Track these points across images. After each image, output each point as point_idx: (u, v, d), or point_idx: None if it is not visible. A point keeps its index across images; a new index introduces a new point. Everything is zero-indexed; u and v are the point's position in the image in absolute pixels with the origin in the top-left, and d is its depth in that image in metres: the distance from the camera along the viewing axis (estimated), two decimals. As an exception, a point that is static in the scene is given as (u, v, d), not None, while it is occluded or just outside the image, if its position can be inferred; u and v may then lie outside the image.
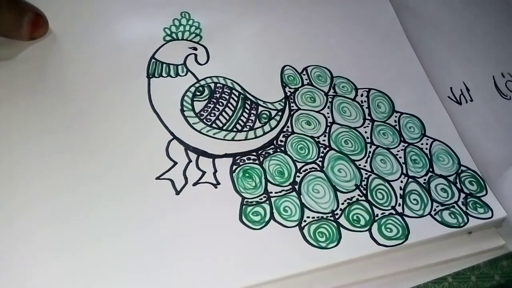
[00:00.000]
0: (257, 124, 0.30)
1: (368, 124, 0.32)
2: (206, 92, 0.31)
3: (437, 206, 0.28)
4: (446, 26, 0.38)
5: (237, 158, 0.29)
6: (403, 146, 0.31)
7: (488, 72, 0.36)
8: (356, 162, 0.30)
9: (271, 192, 0.28)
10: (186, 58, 0.33)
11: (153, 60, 0.32)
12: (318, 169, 0.29)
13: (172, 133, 0.29)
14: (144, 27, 0.34)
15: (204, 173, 0.28)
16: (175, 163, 0.28)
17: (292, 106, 0.32)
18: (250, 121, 0.30)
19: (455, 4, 0.40)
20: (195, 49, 0.33)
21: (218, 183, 0.27)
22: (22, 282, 0.23)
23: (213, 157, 0.28)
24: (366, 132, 0.31)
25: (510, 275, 0.28)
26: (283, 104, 0.32)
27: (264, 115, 0.31)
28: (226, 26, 0.35)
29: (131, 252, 0.24)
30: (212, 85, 0.32)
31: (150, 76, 0.31)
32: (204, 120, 0.30)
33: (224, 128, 0.30)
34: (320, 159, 0.29)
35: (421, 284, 0.27)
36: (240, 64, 0.33)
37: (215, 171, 0.28)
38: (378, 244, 0.26)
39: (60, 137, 0.28)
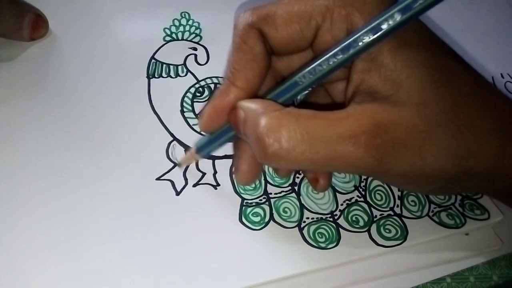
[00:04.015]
0: (257, 125, 0.30)
1: (368, 124, 0.32)
2: (206, 92, 0.31)
3: (434, 208, 0.28)
4: (446, 26, 0.38)
5: (237, 159, 0.29)
6: (402, 146, 0.31)
7: (488, 72, 0.36)
8: (355, 163, 0.30)
9: (271, 193, 0.28)
10: (186, 59, 0.33)
11: (153, 60, 0.32)
12: (318, 170, 0.29)
13: (172, 134, 0.29)
14: (144, 27, 0.34)
15: (204, 174, 0.28)
16: (175, 164, 0.28)
17: (292, 107, 0.32)
18: (250, 122, 0.30)
19: (455, 4, 0.40)
20: (195, 49, 0.33)
21: (218, 184, 0.28)
22: (23, 284, 0.23)
23: (213, 158, 0.29)
24: (365, 132, 0.31)
25: (508, 276, 0.28)
26: (283, 105, 0.32)
27: (264, 116, 0.31)
28: (226, 26, 0.34)
29: (131, 253, 0.24)
30: (212, 86, 0.32)
31: (150, 77, 0.31)
32: (204, 121, 0.30)
33: (224, 129, 0.30)
34: (320, 160, 0.29)
35: (420, 284, 0.27)
36: (240, 64, 0.33)
37: (215, 172, 0.28)
38: (377, 244, 0.26)
39: (60, 138, 0.28)
